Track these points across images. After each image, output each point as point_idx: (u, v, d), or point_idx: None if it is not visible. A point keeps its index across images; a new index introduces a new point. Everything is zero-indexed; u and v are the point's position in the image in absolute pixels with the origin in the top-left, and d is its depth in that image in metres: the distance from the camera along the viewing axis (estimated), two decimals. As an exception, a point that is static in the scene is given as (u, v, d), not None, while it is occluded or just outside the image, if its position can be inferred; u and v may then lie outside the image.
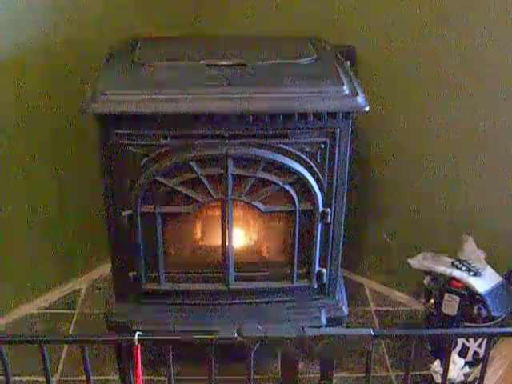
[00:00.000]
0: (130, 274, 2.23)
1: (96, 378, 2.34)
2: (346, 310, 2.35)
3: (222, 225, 2.15)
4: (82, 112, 1.95)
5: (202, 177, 2.07)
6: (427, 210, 2.72)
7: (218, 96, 1.96)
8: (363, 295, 3.00)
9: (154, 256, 2.20)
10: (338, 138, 2.05)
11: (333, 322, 2.32)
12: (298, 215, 2.15)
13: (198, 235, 2.31)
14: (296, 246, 2.20)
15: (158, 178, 2.06)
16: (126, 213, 2.12)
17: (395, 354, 2.65)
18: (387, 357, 2.64)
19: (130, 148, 2.02)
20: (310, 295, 2.32)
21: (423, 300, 2.63)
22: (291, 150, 2.05)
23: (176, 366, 2.32)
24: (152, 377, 2.49)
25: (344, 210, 2.19)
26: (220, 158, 2.04)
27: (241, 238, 2.30)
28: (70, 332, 2.72)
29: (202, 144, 2.02)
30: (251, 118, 1.97)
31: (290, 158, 2.06)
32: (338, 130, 2.04)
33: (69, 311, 2.85)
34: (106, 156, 2.05)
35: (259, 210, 2.14)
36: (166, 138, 2.02)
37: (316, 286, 2.29)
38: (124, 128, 2.00)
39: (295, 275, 2.26)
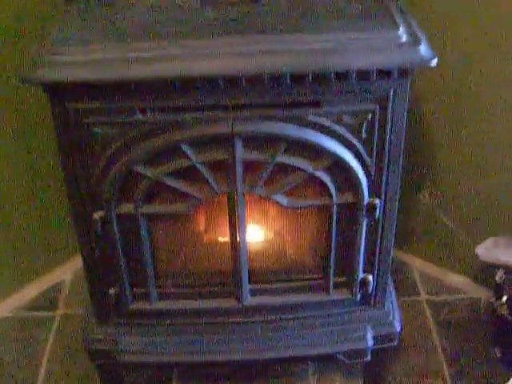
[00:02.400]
0: (111, 290, 1.66)
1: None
2: (398, 325, 1.77)
3: (231, 226, 1.56)
4: (22, 81, 1.34)
5: (198, 165, 1.46)
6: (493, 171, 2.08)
7: (218, 50, 1.34)
8: (411, 279, 2.42)
9: (140, 268, 1.63)
10: (391, 105, 1.42)
11: (382, 340, 1.75)
12: (334, 210, 1.55)
13: (199, 239, 1.71)
14: (333, 248, 1.62)
15: (136, 169, 1.46)
16: (97, 215, 1.53)
17: (455, 359, 2.08)
18: (445, 365, 2.07)
19: (95, 129, 1.42)
20: (351, 308, 1.74)
21: (493, 298, 2.04)
22: (325, 123, 1.43)
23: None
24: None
25: (397, 199, 1.58)
26: (223, 137, 1.43)
27: (256, 240, 1.70)
28: (50, 343, 2.17)
29: (196, 119, 1.41)
30: (267, 80, 1.34)
31: (323, 134, 1.44)
32: (392, 92, 1.41)
33: (49, 313, 2.30)
34: (62, 140, 1.45)
35: (281, 205, 1.53)
36: (144, 111, 1.41)
37: (359, 298, 1.71)
38: (85, 101, 1.39)
39: (331, 285, 1.68)
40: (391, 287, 1.84)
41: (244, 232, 1.57)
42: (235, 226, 1.56)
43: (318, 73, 1.35)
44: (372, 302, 1.74)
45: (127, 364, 1.71)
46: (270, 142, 1.45)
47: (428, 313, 2.28)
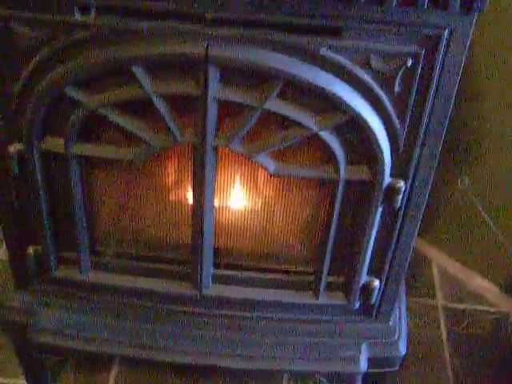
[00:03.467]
0: (30, 249, 1.24)
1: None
2: (403, 346, 1.34)
3: (194, 187, 1.13)
4: None
5: (154, 97, 1.02)
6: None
7: None
8: (428, 277, 1.97)
9: (69, 225, 1.20)
10: (443, 50, 0.96)
11: (379, 363, 1.33)
12: (340, 187, 1.11)
13: (151, 198, 1.25)
14: (331, 236, 1.18)
15: (69, 92, 1.02)
16: (14, 148, 1.10)
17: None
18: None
19: (14, 27, 0.98)
20: (344, 317, 1.31)
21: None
22: (344, 62, 0.98)
23: None
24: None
25: (429, 187, 1.13)
26: (193, 62, 0.98)
27: (228, 210, 1.25)
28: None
29: (158, 30, 0.96)
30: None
31: (338, 78, 0.98)
32: (447, 32, 0.95)
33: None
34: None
35: (265, 169, 1.09)
36: (85, 9, 0.96)
37: (357, 306, 1.27)
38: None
39: (323, 284, 1.25)
40: (403, 298, 1.40)
41: (211, 196, 1.13)
42: (200, 187, 1.12)
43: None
44: (374, 312, 1.31)
45: (41, 345, 1.30)
46: (260, 79, 1.00)
47: (442, 321, 1.84)
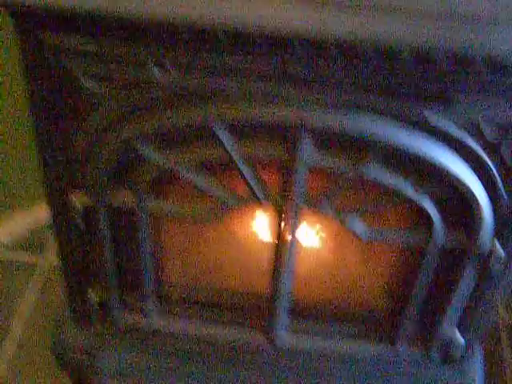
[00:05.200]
0: (92, 293, 1.17)
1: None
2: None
3: (276, 248, 1.04)
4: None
5: (238, 160, 0.92)
6: None
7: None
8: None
9: (135, 272, 1.13)
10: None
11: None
12: (434, 252, 1.01)
13: (224, 245, 1.17)
14: (413, 293, 1.09)
15: (142, 150, 0.93)
16: (80, 201, 1.02)
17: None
18: None
19: (83, 81, 0.89)
20: (422, 369, 1.23)
21: None
22: (451, 130, 0.87)
23: None
24: None
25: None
26: (284, 128, 0.88)
27: (307, 262, 1.16)
28: (26, 299, 1.71)
29: (245, 91, 0.86)
30: (370, 51, 0.78)
31: (442, 144, 0.88)
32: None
33: (30, 258, 1.82)
34: (34, 93, 0.92)
35: (357, 235, 1.00)
36: (162, 66, 0.87)
37: (437, 358, 1.20)
38: (71, 35, 0.85)
39: (401, 337, 1.17)
40: (479, 348, 1.31)
41: (293, 255, 1.05)
42: (281, 248, 1.03)
43: (459, 53, 0.77)
44: (453, 365, 1.23)
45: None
46: (356, 144, 0.90)
47: (506, 351, 1.72)
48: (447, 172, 0.90)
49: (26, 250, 1.85)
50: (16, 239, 1.85)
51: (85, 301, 1.19)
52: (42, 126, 0.96)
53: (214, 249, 1.15)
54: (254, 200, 0.98)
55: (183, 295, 1.20)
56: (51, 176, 1.02)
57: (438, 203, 0.96)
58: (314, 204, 0.97)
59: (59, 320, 1.30)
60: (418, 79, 0.84)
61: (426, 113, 0.86)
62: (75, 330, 1.27)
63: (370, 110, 0.86)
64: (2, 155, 1.72)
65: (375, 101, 0.86)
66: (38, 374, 1.50)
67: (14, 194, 1.82)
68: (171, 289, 1.19)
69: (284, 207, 0.97)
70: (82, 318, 1.24)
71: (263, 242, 1.11)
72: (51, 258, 1.81)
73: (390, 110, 0.86)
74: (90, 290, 1.17)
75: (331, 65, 0.83)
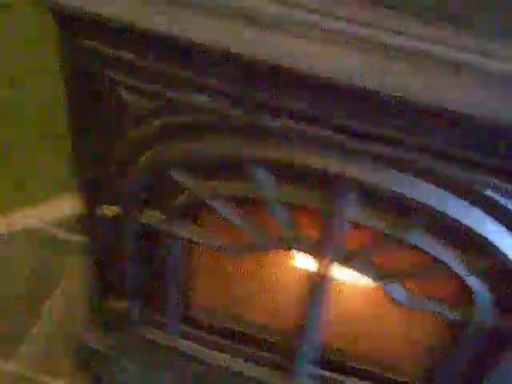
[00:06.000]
0: (113, 302, 1.13)
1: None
2: None
3: (308, 299, 0.97)
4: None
5: (274, 204, 0.85)
6: None
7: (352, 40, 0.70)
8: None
9: (161, 289, 1.08)
10: None
11: None
12: (474, 330, 0.92)
13: (256, 279, 1.09)
14: (446, 363, 1.00)
15: (175, 175, 0.88)
16: (110, 211, 0.97)
17: None
18: None
19: (124, 93, 0.83)
20: None
21: None
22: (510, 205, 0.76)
23: None
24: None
25: None
26: (323, 176, 0.80)
27: (338, 311, 1.07)
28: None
29: (292, 132, 0.78)
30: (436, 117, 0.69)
31: (497, 220, 0.79)
32: None
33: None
34: (73, 103, 0.88)
35: (396, 301, 0.91)
36: (206, 91, 0.79)
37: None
38: (115, 45, 0.79)
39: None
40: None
41: (322, 307, 0.97)
42: (311, 299, 0.96)
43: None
44: None
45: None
46: (403, 207, 0.81)
47: None
48: (502, 253, 0.80)
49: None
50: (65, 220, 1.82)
51: (105, 308, 1.15)
52: (80, 134, 0.92)
53: (245, 278, 1.09)
54: (288, 246, 0.90)
55: (209, 320, 1.14)
56: (85, 184, 0.98)
57: (489, 282, 0.86)
58: (351, 262, 0.88)
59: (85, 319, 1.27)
60: (485, 149, 0.74)
61: (487, 185, 0.76)
62: (95, 333, 1.23)
63: (422, 172, 0.77)
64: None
65: (430, 164, 0.77)
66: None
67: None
68: (197, 312, 1.14)
69: (318, 258, 0.90)
70: (102, 325, 1.20)
71: (297, 281, 1.04)
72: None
73: (446, 176, 0.77)
74: (112, 299, 1.13)
75: (388, 120, 0.74)
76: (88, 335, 1.23)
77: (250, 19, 0.72)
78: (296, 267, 1.04)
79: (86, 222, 1.03)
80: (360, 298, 1.05)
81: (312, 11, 0.71)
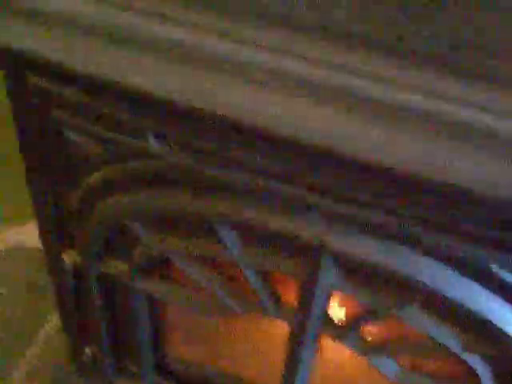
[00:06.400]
0: (87, 350, 1.03)
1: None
2: None
3: (287, 366, 0.85)
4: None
5: (244, 268, 0.73)
6: None
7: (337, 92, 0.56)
8: None
9: (133, 340, 0.97)
10: None
11: None
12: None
13: (234, 331, 0.97)
14: None
15: (131, 226, 0.76)
16: (70, 259, 0.87)
17: None
18: None
19: (71, 135, 0.71)
20: None
21: None
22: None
23: None
24: None
25: None
26: (300, 247, 0.67)
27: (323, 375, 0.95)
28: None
29: (260, 192, 0.65)
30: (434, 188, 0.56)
31: (500, 297, 0.65)
32: None
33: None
34: (23, 141, 0.77)
35: (383, 374, 0.79)
36: (161, 138, 0.66)
37: None
38: (59, 82, 0.67)
39: None
40: None
41: (304, 372, 0.85)
42: (292, 366, 0.84)
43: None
44: None
45: None
46: (391, 282, 0.68)
47: None
48: (503, 333, 0.67)
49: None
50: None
51: (79, 353, 1.04)
52: (34, 177, 0.81)
53: (222, 330, 0.97)
54: (264, 312, 0.78)
55: (185, 371, 1.03)
56: (45, 228, 0.87)
57: (490, 365, 0.73)
58: (336, 332, 0.76)
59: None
60: (489, 224, 0.61)
61: (492, 265, 0.63)
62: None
63: (415, 245, 0.64)
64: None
65: (425, 237, 0.63)
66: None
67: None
68: (173, 362, 1.02)
69: (297, 329, 0.77)
70: (79, 370, 1.10)
71: (278, 335, 0.92)
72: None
73: (444, 250, 0.64)
74: (86, 347, 1.02)
75: (375, 188, 0.61)
76: (62, 376, 1.13)
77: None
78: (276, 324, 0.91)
79: (49, 267, 0.92)
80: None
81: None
